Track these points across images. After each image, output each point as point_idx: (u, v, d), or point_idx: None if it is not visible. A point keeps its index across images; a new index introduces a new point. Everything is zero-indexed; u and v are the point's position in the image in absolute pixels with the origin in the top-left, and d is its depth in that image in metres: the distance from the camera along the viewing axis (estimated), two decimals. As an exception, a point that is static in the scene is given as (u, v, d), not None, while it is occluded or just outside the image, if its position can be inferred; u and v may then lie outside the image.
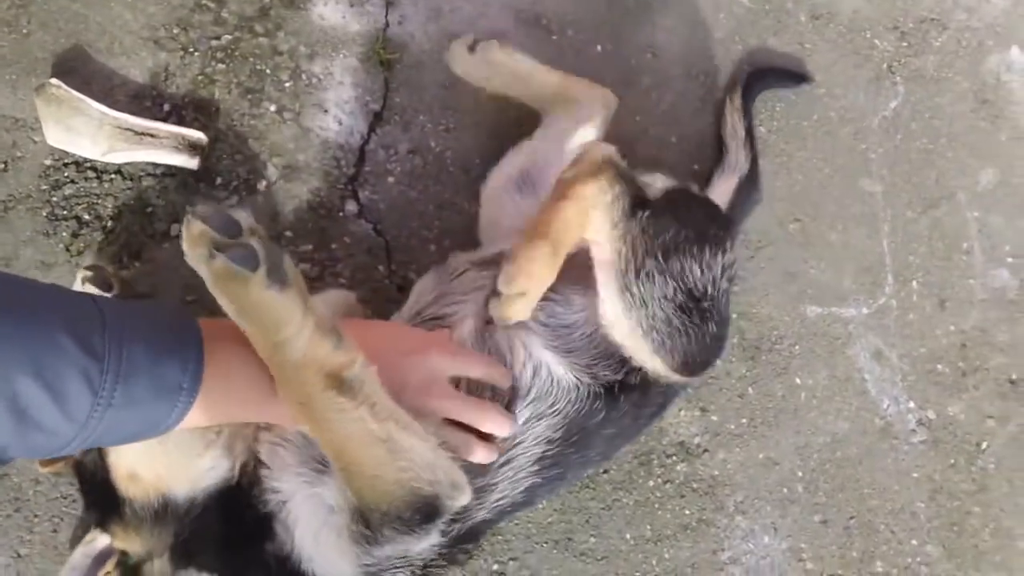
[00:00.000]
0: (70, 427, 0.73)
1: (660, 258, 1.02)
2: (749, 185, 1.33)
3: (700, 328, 1.04)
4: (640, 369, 1.08)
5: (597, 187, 1.03)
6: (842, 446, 1.36)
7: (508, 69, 1.32)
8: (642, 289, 1.02)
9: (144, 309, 0.84)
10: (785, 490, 1.34)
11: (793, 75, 1.41)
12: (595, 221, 1.04)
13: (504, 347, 1.07)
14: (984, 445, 1.39)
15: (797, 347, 1.37)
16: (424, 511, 0.92)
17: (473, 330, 1.08)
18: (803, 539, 1.34)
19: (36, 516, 1.24)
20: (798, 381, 1.37)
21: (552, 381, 1.06)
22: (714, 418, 1.35)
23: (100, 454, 1.00)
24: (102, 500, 1.02)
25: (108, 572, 1.02)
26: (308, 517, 0.99)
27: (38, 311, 0.73)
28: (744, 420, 1.35)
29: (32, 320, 0.72)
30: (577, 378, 1.07)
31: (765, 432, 1.35)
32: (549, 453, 1.07)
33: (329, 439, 0.86)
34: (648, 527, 1.31)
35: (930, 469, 1.37)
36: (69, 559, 1.01)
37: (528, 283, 1.02)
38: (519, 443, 1.06)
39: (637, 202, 1.04)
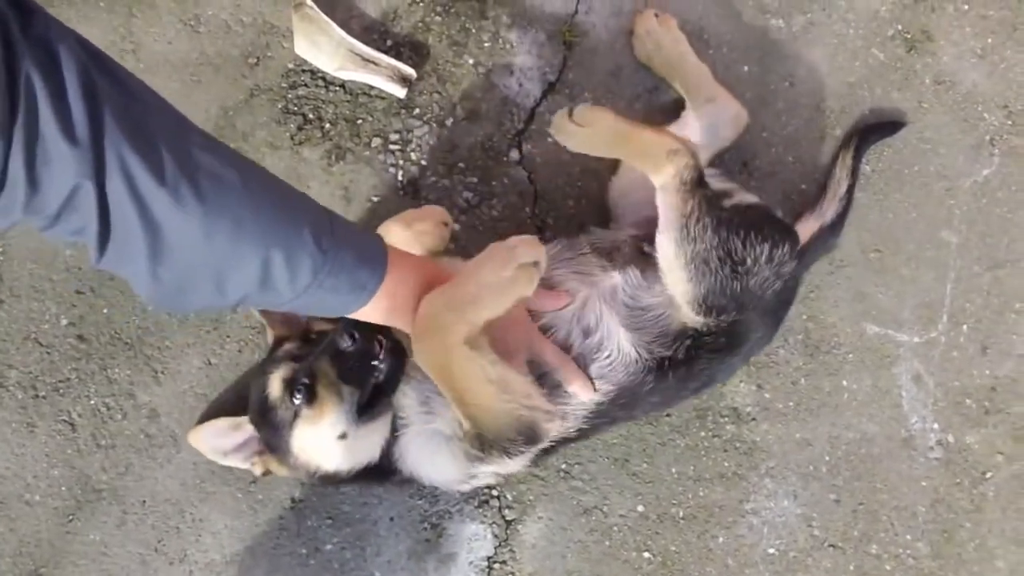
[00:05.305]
0: (291, 293, 1.01)
1: (714, 221, 1.25)
2: (828, 233, 1.55)
3: (728, 279, 1.26)
4: (686, 342, 1.32)
5: (680, 147, 1.27)
6: (867, 445, 1.61)
7: (667, 46, 1.54)
8: (696, 231, 1.25)
9: (353, 226, 1.11)
10: (811, 467, 1.60)
11: (896, 124, 1.61)
12: (666, 171, 1.26)
13: (591, 323, 1.33)
14: (989, 475, 1.62)
15: (851, 355, 1.62)
16: (526, 434, 1.23)
17: (578, 305, 1.33)
18: (816, 510, 1.60)
19: (228, 336, 1.58)
20: (844, 383, 1.62)
21: (619, 353, 1.32)
22: (767, 395, 1.61)
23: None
24: None
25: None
26: (422, 444, 1.31)
27: (295, 209, 1.01)
28: (791, 403, 1.61)
29: (291, 214, 0.99)
30: (638, 353, 1.33)
31: (806, 417, 1.61)
32: (601, 410, 1.34)
33: (457, 384, 1.16)
34: (692, 467, 1.59)
35: (937, 482, 1.61)
36: None
37: (594, 119, 1.27)
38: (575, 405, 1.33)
39: (702, 182, 1.27)
